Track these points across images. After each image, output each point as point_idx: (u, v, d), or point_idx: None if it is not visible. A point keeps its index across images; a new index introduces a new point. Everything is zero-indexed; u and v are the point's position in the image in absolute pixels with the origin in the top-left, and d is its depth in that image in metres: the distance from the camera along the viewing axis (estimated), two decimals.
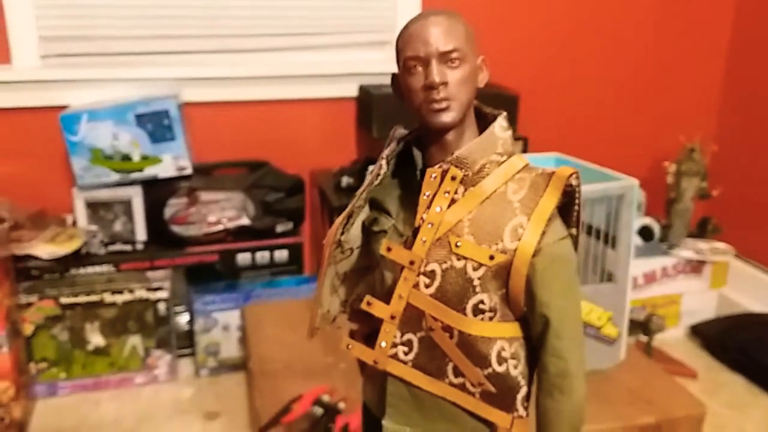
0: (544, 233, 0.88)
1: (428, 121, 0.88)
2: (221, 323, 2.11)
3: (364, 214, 0.99)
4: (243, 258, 2.16)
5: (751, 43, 2.56)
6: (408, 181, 0.97)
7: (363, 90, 2.25)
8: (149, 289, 2.00)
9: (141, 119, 1.97)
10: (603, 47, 2.53)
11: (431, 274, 0.90)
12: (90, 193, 2.03)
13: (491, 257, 0.88)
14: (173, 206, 2.10)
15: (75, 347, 1.99)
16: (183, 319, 2.14)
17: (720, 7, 2.59)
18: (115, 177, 2.01)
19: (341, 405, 1.56)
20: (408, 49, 0.88)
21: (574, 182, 0.90)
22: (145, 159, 2.00)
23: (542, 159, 1.88)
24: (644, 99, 2.64)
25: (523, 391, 0.95)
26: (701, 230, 2.50)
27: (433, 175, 0.90)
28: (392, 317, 0.93)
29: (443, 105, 0.87)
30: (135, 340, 2.03)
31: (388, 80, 2.29)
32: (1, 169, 2.09)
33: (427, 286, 0.91)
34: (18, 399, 1.79)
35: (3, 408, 1.75)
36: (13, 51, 2.01)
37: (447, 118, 0.87)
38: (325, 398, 1.57)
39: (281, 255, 2.19)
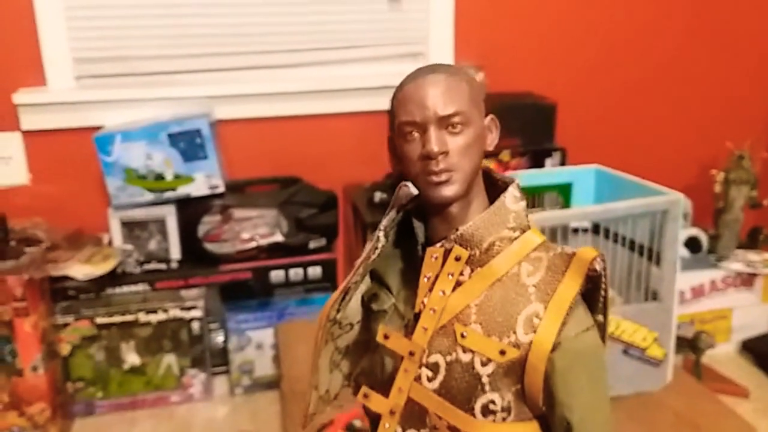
0: (564, 324, 0.76)
1: (427, 196, 0.78)
2: (255, 341, 2.09)
3: (365, 285, 0.89)
4: (276, 275, 2.14)
5: None
6: (410, 253, 0.86)
7: None
8: (183, 308, 1.99)
9: (173, 138, 1.97)
10: (644, 51, 2.45)
11: (434, 367, 0.80)
12: (125, 213, 2.03)
13: (502, 352, 0.76)
14: (207, 224, 2.09)
15: (111, 366, 2.00)
16: (218, 337, 2.13)
17: None
18: (149, 196, 2.01)
19: None
20: (403, 112, 0.78)
21: (598, 267, 0.77)
22: (178, 178, 2.00)
23: (581, 171, 1.81)
24: (689, 104, 2.55)
25: None
26: (752, 241, 2.40)
27: (435, 256, 0.79)
28: (392, 412, 0.82)
29: (443, 177, 0.76)
30: (170, 359, 2.03)
31: None
32: (38, 190, 2.11)
33: (429, 380, 0.80)
34: (55, 419, 1.80)
35: (40, 429, 1.76)
36: (48, 73, 2.03)
37: (448, 192, 0.77)
38: (357, 423, 1.53)
39: (315, 271, 2.17)
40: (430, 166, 0.76)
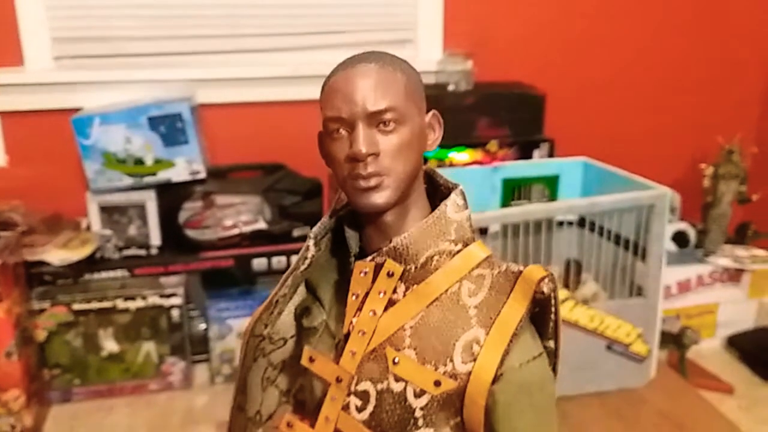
0: (507, 353, 0.67)
1: (354, 203, 0.69)
2: (236, 330, 2.06)
3: (299, 296, 0.81)
4: (259, 263, 2.11)
5: None
6: (345, 264, 0.77)
7: None
8: (162, 296, 1.96)
9: (154, 122, 1.92)
10: (636, 44, 2.42)
11: (364, 396, 0.72)
12: (103, 197, 1.99)
13: (437, 383, 0.68)
14: (188, 210, 2.06)
15: (89, 353, 1.96)
16: (198, 325, 2.10)
17: (761, 3, 2.46)
18: (128, 181, 1.97)
19: None
20: (328, 107, 0.69)
21: (546, 289, 0.69)
22: (159, 163, 1.96)
23: (569, 164, 1.78)
24: (679, 98, 2.52)
25: None
26: (740, 236, 2.38)
27: (364, 271, 0.70)
28: None
29: (372, 182, 0.67)
30: (149, 347, 2.00)
31: None
32: (15, 173, 2.07)
33: (359, 410, 0.72)
34: (30, 406, 1.76)
35: (14, 416, 1.73)
36: (25, 53, 1.98)
37: (378, 199, 0.68)
38: None
39: None
40: (357, 169, 0.68)
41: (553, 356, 0.74)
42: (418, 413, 0.70)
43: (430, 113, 0.75)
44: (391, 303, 0.71)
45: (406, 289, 0.71)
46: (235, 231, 2.09)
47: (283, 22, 2.16)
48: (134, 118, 1.91)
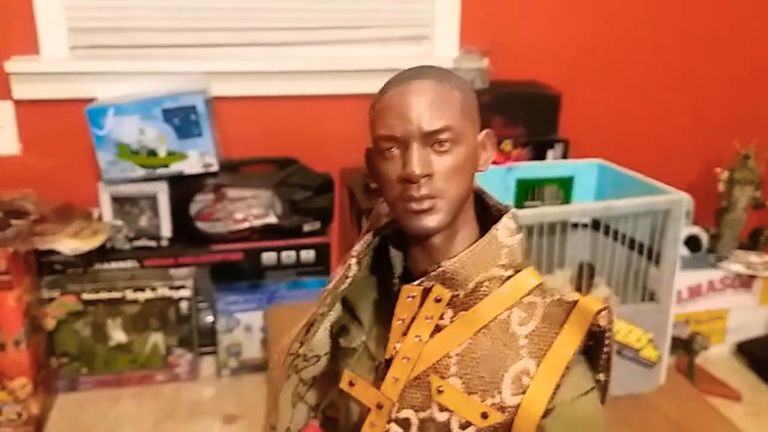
0: (559, 386, 0.64)
1: (405, 225, 0.67)
2: (243, 324, 2.06)
3: (335, 313, 0.79)
4: (268, 257, 2.11)
5: None
6: (387, 284, 0.74)
7: None
8: (171, 288, 1.96)
9: (168, 114, 1.92)
10: (652, 45, 2.40)
11: (405, 424, 0.69)
12: (116, 188, 1.99)
13: (484, 415, 0.65)
14: (199, 202, 2.06)
15: (97, 343, 1.97)
16: (206, 317, 2.10)
17: None
18: (141, 172, 1.97)
19: None
20: (381, 125, 0.66)
21: (603, 323, 0.66)
22: (171, 155, 1.96)
23: (584, 165, 1.77)
24: (696, 101, 2.50)
25: None
26: (753, 242, 2.36)
27: (411, 295, 0.67)
28: None
29: (425, 205, 0.64)
30: (157, 338, 2.00)
31: None
32: (28, 161, 2.07)
33: None
34: (37, 394, 1.77)
35: (21, 404, 1.73)
36: (41, 42, 1.98)
37: (430, 222, 0.65)
38: None
39: (308, 255, 2.13)
40: (410, 190, 0.64)
41: (603, 390, 0.71)
42: None
43: (484, 132, 0.71)
44: (437, 329, 0.68)
45: (454, 315, 0.68)
46: (246, 224, 2.08)
47: (299, 16, 2.15)
48: (148, 109, 1.91)
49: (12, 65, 1.95)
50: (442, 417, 0.67)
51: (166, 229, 2.04)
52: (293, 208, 2.11)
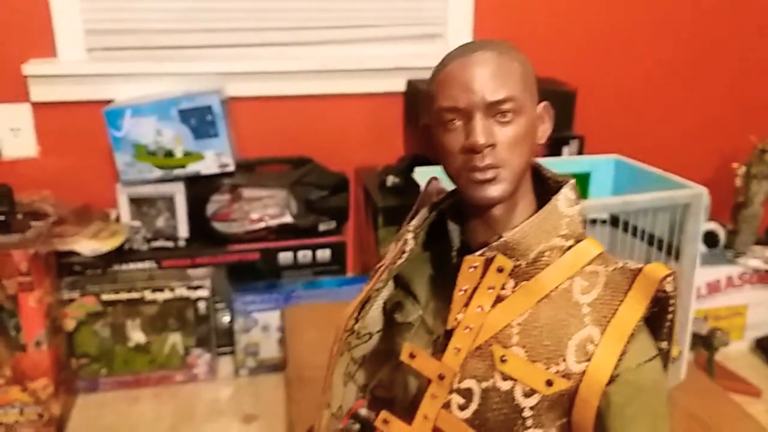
0: (623, 353, 0.65)
1: (468, 196, 0.68)
2: (261, 323, 2.07)
3: (387, 291, 0.80)
4: (285, 257, 2.11)
5: None
6: (442, 259, 0.75)
7: (411, 85, 2.16)
8: (190, 288, 1.97)
9: (184, 115, 1.93)
10: (668, 40, 2.38)
11: (467, 394, 0.69)
12: (133, 189, 2.00)
13: (549, 382, 0.66)
14: (215, 203, 2.06)
15: (116, 343, 1.98)
16: (224, 317, 2.10)
17: None
18: (158, 173, 1.98)
19: None
20: (443, 96, 0.66)
21: (669, 288, 0.66)
22: (188, 155, 1.97)
23: (601, 161, 1.76)
24: (712, 95, 2.48)
25: None
26: None
27: (473, 266, 0.68)
28: None
29: (489, 175, 0.65)
30: (175, 338, 2.01)
31: None
32: (46, 163, 2.08)
33: (461, 409, 0.69)
34: (57, 395, 1.78)
35: (42, 405, 1.74)
36: (58, 44, 2.00)
37: (494, 192, 0.66)
38: (363, 412, 1.50)
39: (323, 254, 2.14)
40: (473, 161, 0.65)
41: (665, 358, 0.71)
42: (527, 413, 0.68)
43: (542, 105, 0.72)
44: (499, 299, 0.69)
45: (515, 285, 0.69)
46: (262, 224, 2.09)
47: (313, 16, 2.16)
48: (165, 110, 1.92)
49: (29, 68, 1.96)
50: (505, 386, 0.68)
51: (183, 230, 2.05)
52: (309, 207, 2.11)
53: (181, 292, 1.97)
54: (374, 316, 0.80)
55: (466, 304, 0.69)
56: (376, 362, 0.83)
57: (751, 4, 2.39)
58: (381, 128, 2.27)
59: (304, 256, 2.13)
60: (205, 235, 2.06)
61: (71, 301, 1.90)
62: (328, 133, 2.24)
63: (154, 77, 2.05)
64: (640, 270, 0.67)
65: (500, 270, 0.68)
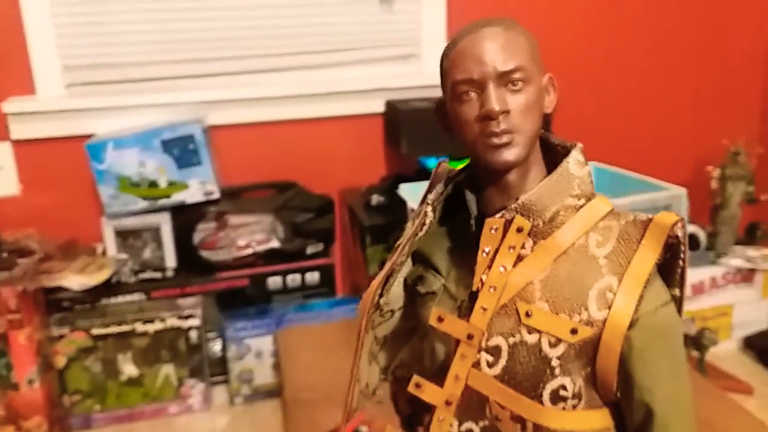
0: (641, 299, 0.69)
1: (486, 161, 0.71)
2: (254, 350, 2.06)
3: (406, 269, 0.83)
4: (274, 281, 2.11)
5: None
6: (459, 230, 0.79)
7: (390, 105, 2.19)
8: (180, 317, 1.96)
9: (167, 145, 1.94)
10: (640, 46, 2.44)
11: (495, 351, 0.73)
12: (119, 222, 2.00)
13: (573, 331, 0.70)
14: (202, 231, 2.06)
15: (108, 378, 1.96)
16: (216, 346, 2.09)
17: (761, 5, 2.49)
18: (143, 204, 1.98)
19: None
20: (457, 70, 0.71)
21: (680, 233, 0.71)
22: (172, 185, 1.97)
23: None
24: (684, 101, 2.54)
25: None
26: (750, 237, 2.39)
27: (494, 228, 0.72)
28: (447, 403, 0.75)
29: (504, 139, 0.70)
30: (168, 370, 2.00)
31: (415, 94, 2.23)
32: (29, 200, 2.07)
33: (490, 366, 0.73)
34: None
35: None
36: (37, 81, 2.00)
37: (510, 155, 0.70)
38: (363, 430, 1.50)
39: (312, 277, 2.14)
40: (490, 127, 0.70)
41: (679, 304, 0.75)
42: (555, 362, 0.71)
43: (547, 76, 0.77)
44: (519, 258, 0.72)
45: (534, 244, 0.72)
46: (249, 250, 2.09)
47: (290, 42, 2.19)
48: (147, 141, 1.92)
49: (9, 106, 1.96)
50: (532, 339, 0.71)
51: (170, 260, 2.05)
52: (295, 231, 2.12)
53: (172, 322, 1.96)
54: (396, 293, 0.83)
55: (489, 266, 0.73)
56: (396, 343, 0.87)
57: (723, 10, 2.47)
58: (362, 149, 2.29)
59: (293, 279, 2.13)
60: (193, 264, 2.06)
61: (61, 337, 1.88)
62: (311, 156, 2.26)
63: (134, 109, 2.06)
64: (650, 220, 0.71)
65: (519, 230, 0.72)
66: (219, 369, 2.10)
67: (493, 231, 0.73)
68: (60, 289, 1.88)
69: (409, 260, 0.83)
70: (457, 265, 0.78)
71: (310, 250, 2.14)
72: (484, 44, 0.70)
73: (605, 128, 2.49)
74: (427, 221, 0.77)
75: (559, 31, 2.36)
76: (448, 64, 0.73)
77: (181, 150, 1.95)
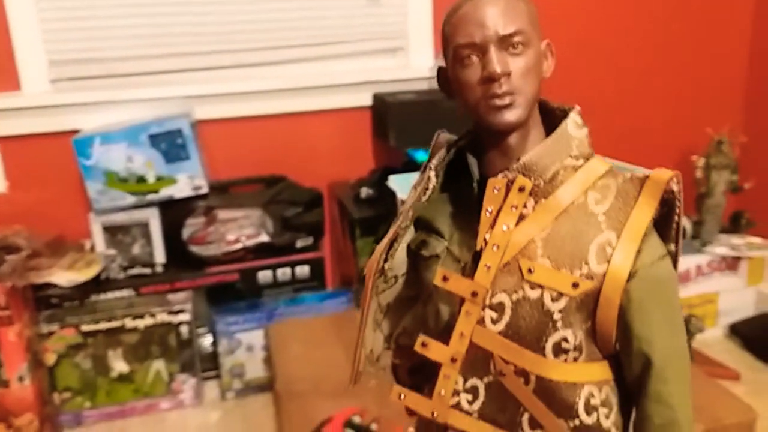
0: (639, 252, 0.72)
1: (488, 122, 0.74)
2: (245, 344, 2.06)
3: (409, 235, 0.85)
4: (264, 276, 2.11)
5: None
6: (461, 195, 0.81)
7: (377, 98, 2.20)
8: (170, 312, 1.95)
9: (154, 139, 1.93)
10: (622, 37, 2.46)
11: (499, 308, 0.75)
12: (107, 217, 1.99)
13: (575, 285, 0.72)
14: (191, 226, 2.06)
15: (98, 375, 1.95)
16: (206, 341, 2.09)
17: None
18: (131, 200, 1.97)
19: (373, 426, 1.50)
20: (459, 35, 0.73)
21: (675, 187, 0.73)
22: (160, 180, 1.97)
23: None
24: (667, 90, 2.57)
25: None
26: (734, 225, 2.42)
27: (497, 188, 0.74)
28: (453, 360, 0.77)
29: (506, 101, 0.72)
30: (159, 365, 1.99)
31: (402, 87, 2.24)
32: (16, 197, 2.06)
33: (494, 322, 0.75)
34: (43, 431, 1.75)
35: None
36: (22, 77, 1.98)
37: (511, 116, 0.72)
38: (357, 419, 1.51)
39: (302, 271, 2.14)
40: (492, 89, 0.72)
41: (675, 259, 0.77)
42: (557, 316, 0.74)
43: (545, 42, 0.79)
44: (521, 218, 0.75)
45: (535, 203, 0.75)
46: (239, 245, 2.09)
47: (277, 36, 2.18)
48: (135, 136, 1.91)
49: None
50: (534, 294, 0.74)
51: (159, 256, 2.04)
52: (285, 225, 2.12)
53: (162, 317, 1.95)
54: (400, 258, 0.85)
55: (492, 225, 0.75)
56: (399, 311, 0.89)
57: (700, 3, 2.49)
58: (350, 143, 2.29)
59: (284, 273, 2.13)
60: (182, 259, 2.05)
61: (50, 334, 1.87)
62: (299, 150, 2.26)
63: (121, 104, 2.05)
64: (647, 176, 0.74)
65: (521, 189, 0.74)
66: (210, 364, 2.09)
67: (495, 191, 0.75)
68: (48, 286, 1.87)
69: (412, 228, 0.86)
70: (459, 229, 0.80)
71: (299, 243, 2.14)
72: (486, 9, 0.72)
73: (589, 118, 2.49)
74: (431, 185, 0.79)
75: (541, 21, 2.37)
76: (449, 29, 0.75)
77: (169, 144, 1.94)
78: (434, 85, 2.22)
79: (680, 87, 2.57)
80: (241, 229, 2.11)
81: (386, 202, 1.96)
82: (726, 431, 1.51)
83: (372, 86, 2.24)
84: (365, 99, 2.25)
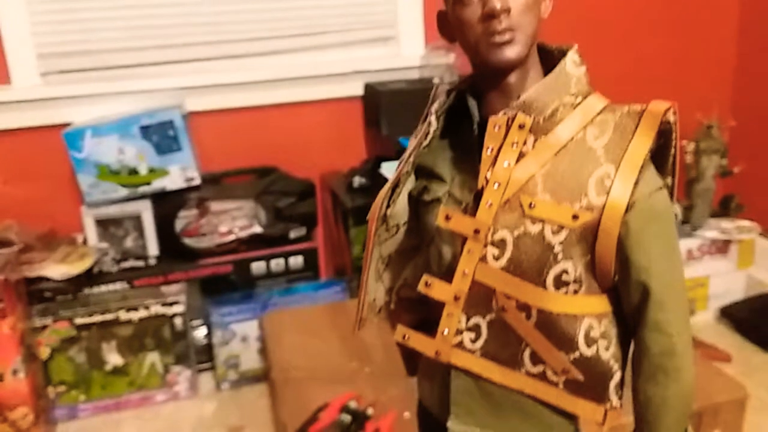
0: (637, 183, 0.72)
1: (489, 59, 0.74)
2: (240, 335, 2.06)
3: (410, 183, 0.86)
4: (257, 267, 2.11)
5: (763, 14, 2.49)
6: (461, 139, 0.82)
7: (369, 88, 2.20)
8: (164, 305, 1.95)
9: (146, 131, 1.93)
10: (613, 21, 2.47)
11: (501, 244, 0.76)
12: (99, 210, 1.99)
13: (575, 217, 0.73)
14: (184, 218, 2.06)
15: (93, 368, 1.95)
16: (201, 332, 2.09)
17: None
18: (123, 192, 1.96)
19: (369, 411, 1.51)
20: None
21: (672, 118, 0.75)
22: (153, 172, 1.96)
23: None
24: (657, 75, 2.58)
25: (617, 376, 0.80)
26: (724, 209, 2.44)
27: (497, 125, 0.75)
28: (456, 298, 0.78)
29: (506, 37, 0.73)
30: (153, 357, 1.99)
31: (393, 76, 2.24)
32: (7, 191, 2.05)
33: (496, 258, 0.76)
34: (38, 424, 1.75)
35: None
36: (12, 70, 1.97)
37: (511, 53, 0.73)
38: (353, 405, 1.51)
39: (296, 261, 2.14)
40: (492, 26, 0.72)
41: (671, 191, 0.78)
42: (557, 248, 0.74)
43: None
44: (521, 155, 0.76)
45: (535, 140, 0.76)
46: (232, 237, 2.09)
47: (267, 26, 2.18)
48: (126, 128, 1.91)
49: None
50: (535, 228, 0.75)
51: (152, 248, 2.04)
52: (277, 215, 2.12)
53: (156, 309, 1.95)
54: (402, 206, 0.86)
55: (493, 163, 0.76)
56: (401, 263, 0.89)
57: None
58: (342, 133, 2.29)
59: (277, 264, 2.13)
60: (175, 251, 2.05)
61: (44, 327, 1.86)
62: (291, 140, 2.26)
63: (112, 97, 2.04)
64: (644, 109, 0.76)
65: (521, 127, 0.75)
66: (205, 355, 2.10)
67: (496, 129, 0.76)
68: (41, 279, 1.87)
69: (413, 177, 0.86)
70: (460, 171, 0.81)
71: (292, 234, 2.14)
72: None
73: None
74: (431, 130, 0.80)
75: None
76: None
77: (161, 136, 1.94)
78: (426, 73, 2.22)
79: (669, 72, 2.58)
80: (234, 220, 2.11)
81: (379, 190, 1.96)
82: (719, 409, 1.52)
83: (363, 75, 2.24)
84: (357, 88, 2.25)
